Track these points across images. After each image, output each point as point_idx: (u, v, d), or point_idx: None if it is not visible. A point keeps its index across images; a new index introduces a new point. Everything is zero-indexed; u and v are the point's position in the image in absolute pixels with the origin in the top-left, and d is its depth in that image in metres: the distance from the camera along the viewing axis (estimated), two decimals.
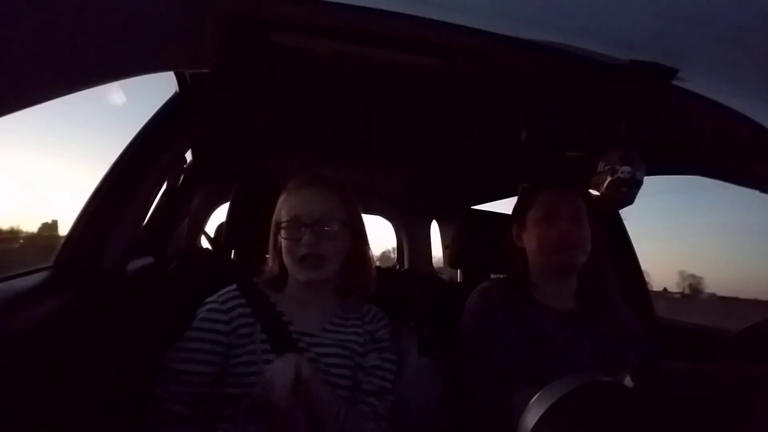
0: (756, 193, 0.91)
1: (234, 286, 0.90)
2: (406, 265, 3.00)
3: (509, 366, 0.89)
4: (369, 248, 0.95)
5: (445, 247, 2.56)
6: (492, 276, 1.31)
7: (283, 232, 0.86)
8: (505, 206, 2.04)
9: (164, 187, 1.20)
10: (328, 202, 0.88)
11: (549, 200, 1.03)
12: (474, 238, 1.29)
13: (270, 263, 0.93)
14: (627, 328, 1.02)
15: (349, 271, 0.91)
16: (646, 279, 1.57)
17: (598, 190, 0.69)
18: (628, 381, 0.50)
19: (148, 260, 1.24)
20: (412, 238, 2.99)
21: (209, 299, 0.88)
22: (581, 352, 0.94)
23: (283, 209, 0.89)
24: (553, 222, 1.00)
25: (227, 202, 1.25)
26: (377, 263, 1.02)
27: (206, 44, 0.69)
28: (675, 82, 0.66)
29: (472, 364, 0.94)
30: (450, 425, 0.93)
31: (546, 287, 1.04)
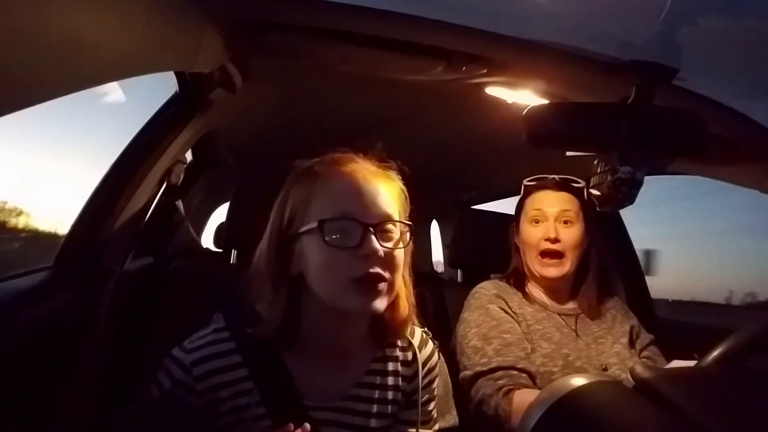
0: (756, 193, 0.91)
1: (222, 324, 0.62)
2: None
3: (505, 362, 0.89)
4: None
5: (445, 247, 2.56)
6: (492, 276, 1.31)
7: (328, 237, 0.55)
8: (505, 206, 2.04)
9: (164, 187, 1.20)
10: (391, 197, 0.60)
11: (537, 201, 1.04)
12: (474, 238, 1.29)
13: (269, 299, 0.59)
14: (626, 327, 1.02)
15: (394, 306, 0.62)
16: None
17: (598, 191, 0.69)
18: (628, 381, 0.50)
19: (148, 260, 1.24)
20: (412, 238, 2.99)
21: (180, 352, 0.60)
22: (577, 350, 0.94)
23: (318, 203, 0.58)
24: (540, 223, 1.01)
25: (227, 202, 1.25)
26: None
27: (206, 44, 0.69)
28: (675, 82, 0.66)
29: (470, 359, 0.94)
30: (449, 425, 0.93)
31: (543, 286, 1.04)
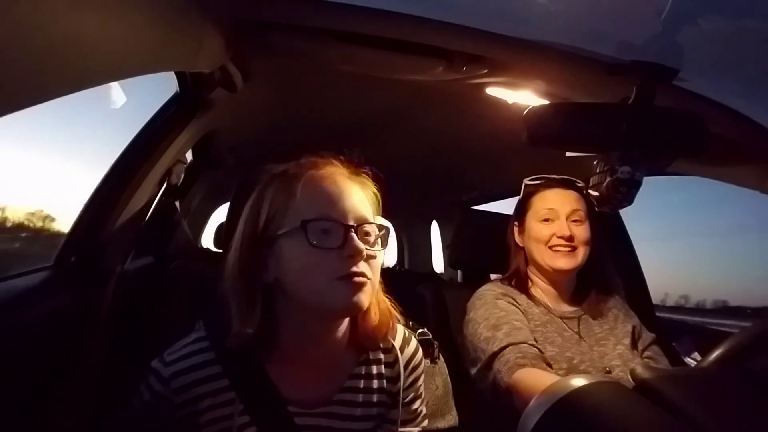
0: (756, 193, 0.91)
1: (203, 334, 0.61)
2: (406, 265, 3.00)
3: (516, 339, 0.87)
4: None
5: (445, 247, 2.57)
6: (492, 276, 1.31)
7: (312, 237, 0.55)
8: (505, 206, 2.04)
9: (164, 187, 1.20)
10: (367, 198, 0.62)
11: (548, 200, 1.03)
12: (474, 238, 1.29)
13: (243, 310, 0.57)
14: (627, 328, 1.02)
15: (367, 311, 0.62)
16: None
17: (597, 190, 0.69)
18: (628, 381, 0.50)
19: (148, 260, 1.24)
20: (412, 238, 2.99)
21: (159, 364, 0.59)
22: (580, 353, 0.94)
23: (299, 205, 0.57)
24: (552, 222, 1.01)
25: (227, 202, 1.25)
26: None
27: (206, 44, 0.69)
28: (675, 82, 0.66)
29: (484, 351, 0.91)
30: (449, 425, 0.93)
31: (545, 287, 1.04)
